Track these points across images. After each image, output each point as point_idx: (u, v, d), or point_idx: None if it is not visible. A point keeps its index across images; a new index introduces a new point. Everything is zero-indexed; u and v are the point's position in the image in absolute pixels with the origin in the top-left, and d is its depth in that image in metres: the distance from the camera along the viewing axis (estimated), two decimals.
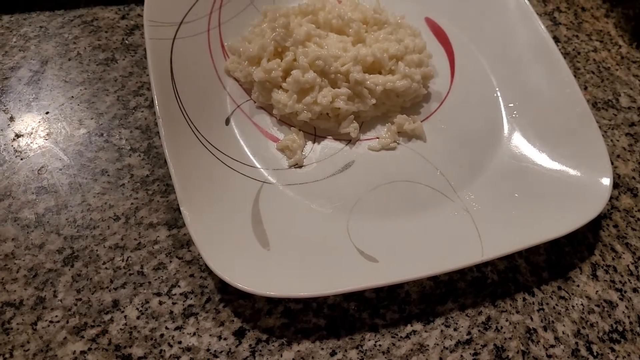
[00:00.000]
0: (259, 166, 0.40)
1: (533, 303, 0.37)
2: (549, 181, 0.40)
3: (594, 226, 0.41)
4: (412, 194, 0.40)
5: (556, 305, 0.38)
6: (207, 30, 0.44)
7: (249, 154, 0.40)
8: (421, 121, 0.44)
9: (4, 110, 0.41)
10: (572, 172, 0.40)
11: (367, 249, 0.36)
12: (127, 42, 0.46)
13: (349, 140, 0.43)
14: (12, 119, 0.41)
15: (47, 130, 0.40)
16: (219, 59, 0.44)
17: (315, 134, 0.42)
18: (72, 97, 0.42)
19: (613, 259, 0.40)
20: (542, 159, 0.41)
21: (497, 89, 0.46)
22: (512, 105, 0.44)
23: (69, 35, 0.45)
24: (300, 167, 0.41)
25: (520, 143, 0.42)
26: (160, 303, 0.35)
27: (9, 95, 0.42)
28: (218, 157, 0.38)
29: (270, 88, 0.42)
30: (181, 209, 0.34)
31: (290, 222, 0.37)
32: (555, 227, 0.37)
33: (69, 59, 0.44)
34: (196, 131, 0.38)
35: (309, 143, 0.42)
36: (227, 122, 0.41)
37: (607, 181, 0.38)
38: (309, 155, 0.41)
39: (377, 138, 0.43)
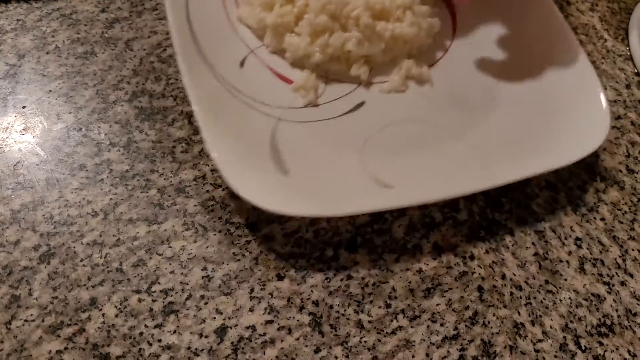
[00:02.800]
0: (274, 104, 0.41)
1: (520, 297, 0.37)
2: (551, 113, 0.42)
3: (581, 219, 0.41)
4: (421, 133, 0.42)
5: (544, 299, 0.37)
6: None
7: (264, 93, 0.41)
8: (428, 67, 0.46)
9: None
10: (569, 101, 0.42)
11: (382, 178, 0.38)
12: (106, 35, 0.45)
13: (359, 83, 0.44)
14: None
15: (24, 125, 0.39)
16: (231, 6, 0.46)
17: (326, 77, 0.44)
18: (50, 91, 0.41)
19: (600, 252, 0.40)
20: (540, 94, 0.43)
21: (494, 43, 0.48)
22: (507, 55, 0.47)
23: (47, 29, 0.44)
24: (315, 106, 0.42)
25: (520, 81, 0.45)
26: (140, 300, 0.34)
27: None
28: (235, 95, 0.40)
29: (282, 32, 0.44)
30: (203, 135, 0.35)
31: (306, 154, 0.39)
32: (565, 155, 0.39)
33: (47, 53, 0.43)
34: (213, 70, 0.40)
35: (321, 85, 0.44)
36: (242, 64, 0.43)
37: (603, 105, 0.41)
38: (321, 96, 0.43)
39: (386, 81, 0.45)
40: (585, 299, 0.37)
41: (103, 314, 0.33)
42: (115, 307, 0.33)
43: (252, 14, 0.44)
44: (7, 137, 0.39)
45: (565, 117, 0.42)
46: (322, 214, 0.36)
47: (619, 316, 0.37)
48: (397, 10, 0.44)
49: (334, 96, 0.43)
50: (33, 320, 0.32)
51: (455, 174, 0.39)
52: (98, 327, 0.33)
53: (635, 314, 0.37)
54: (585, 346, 0.36)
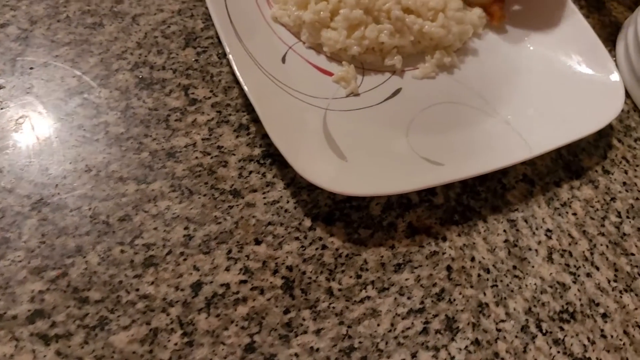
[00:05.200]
0: (320, 96, 0.44)
1: (487, 279, 0.38)
2: (571, 86, 0.46)
3: (554, 212, 0.42)
4: (456, 113, 0.45)
5: (510, 283, 0.38)
6: None
7: (309, 86, 0.44)
8: (454, 52, 0.49)
9: None
10: (586, 75, 0.47)
11: (431, 157, 0.41)
12: (115, 9, 0.47)
13: (394, 72, 0.47)
14: None
15: (30, 84, 0.42)
16: (264, 7, 0.49)
17: (363, 67, 0.47)
18: (57, 56, 0.43)
19: (569, 244, 0.41)
20: (558, 69, 0.48)
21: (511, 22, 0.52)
22: (527, 38, 0.51)
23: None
24: (356, 95, 0.45)
25: (539, 60, 0.49)
26: (122, 252, 0.36)
27: None
28: (284, 90, 0.43)
29: (319, 28, 0.46)
30: (267, 130, 0.38)
31: (358, 140, 0.41)
32: (591, 123, 0.43)
33: (58, 21, 0.45)
34: (261, 67, 0.43)
35: (359, 76, 0.46)
36: (284, 60, 0.46)
37: (616, 77, 0.46)
38: (360, 86, 0.46)
39: (418, 68, 0.48)
40: (551, 286, 0.39)
41: (86, 261, 0.35)
42: (99, 255, 0.35)
43: (287, 13, 0.48)
44: (12, 95, 0.41)
45: (585, 91, 0.46)
46: (386, 192, 0.38)
47: (581, 305, 0.38)
48: (429, 12, 0.48)
49: (372, 85, 0.46)
50: (20, 261, 0.34)
51: (495, 148, 0.42)
52: (80, 273, 0.34)
53: (597, 304, 0.39)
54: (546, 330, 0.37)
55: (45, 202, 0.37)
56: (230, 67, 0.42)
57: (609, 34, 0.56)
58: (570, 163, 0.46)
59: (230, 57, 0.41)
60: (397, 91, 0.46)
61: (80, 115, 0.41)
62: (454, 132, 0.44)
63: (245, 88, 0.39)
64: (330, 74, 0.46)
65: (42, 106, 0.41)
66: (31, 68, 0.42)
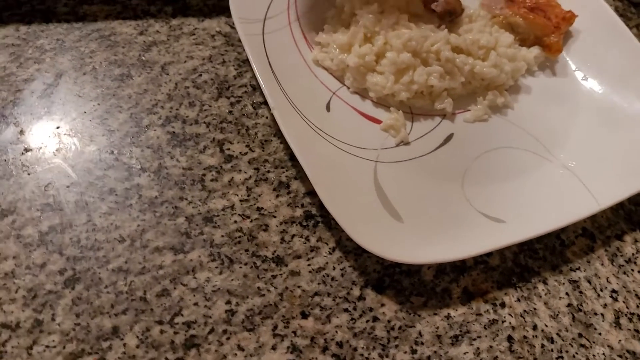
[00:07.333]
0: (369, 147, 0.41)
1: (552, 350, 0.36)
2: (633, 126, 0.42)
3: (618, 270, 0.39)
4: (512, 159, 0.42)
5: (576, 353, 0.36)
6: (289, 24, 0.46)
7: (356, 135, 0.41)
8: (506, 90, 0.46)
9: (14, 123, 0.40)
10: None
11: (490, 212, 0.38)
12: (143, 58, 0.45)
13: (444, 115, 0.44)
14: (22, 132, 0.40)
15: (57, 146, 0.39)
16: (305, 50, 0.46)
17: (412, 112, 0.44)
18: (85, 112, 0.41)
19: (638, 306, 0.38)
20: (619, 107, 0.44)
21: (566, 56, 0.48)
22: (584, 73, 0.47)
23: (86, 49, 0.44)
24: (407, 144, 0.42)
25: (598, 99, 0.45)
26: (162, 332, 0.33)
27: (20, 108, 0.41)
28: (331, 142, 0.40)
29: (364, 72, 0.44)
30: (317, 190, 0.35)
31: (412, 196, 0.39)
32: None
33: (84, 73, 0.43)
34: (305, 119, 0.40)
35: (408, 122, 0.43)
36: (328, 108, 0.42)
37: None
38: (410, 133, 0.43)
39: (469, 110, 0.45)
40: (620, 356, 0.36)
41: (124, 344, 0.33)
42: (137, 337, 0.33)
43: (330, 56, 0.45)
44: (39, 157, 0.39)
45: None
46: (448, 259, 0.35)
47: None
48: (480, 51, 0.45)
49: (422, 132, 0.43)
50: (54, 347, 0.32)
51: (558, 199, 0.39)
52: (118, 357, 0.32)
53: None
54: None
55: (79, 278, 0.34)
56: (274, 119, 0.40)
57: None
58: (632, 213, 0.42)
59: (276, 112, 0.38)
60: (449, 137, 0.43)
61: (112, 179, 0.38)
62: (511, 181, 0.41)
63: (293, 146, 0.37)
64: (377, 121, 0.43)
65: (71, 169, 0.38)
66: (58, 127, 0.40)
